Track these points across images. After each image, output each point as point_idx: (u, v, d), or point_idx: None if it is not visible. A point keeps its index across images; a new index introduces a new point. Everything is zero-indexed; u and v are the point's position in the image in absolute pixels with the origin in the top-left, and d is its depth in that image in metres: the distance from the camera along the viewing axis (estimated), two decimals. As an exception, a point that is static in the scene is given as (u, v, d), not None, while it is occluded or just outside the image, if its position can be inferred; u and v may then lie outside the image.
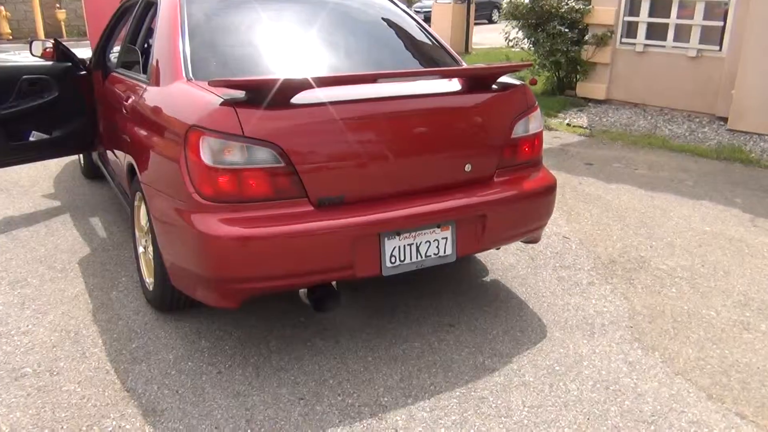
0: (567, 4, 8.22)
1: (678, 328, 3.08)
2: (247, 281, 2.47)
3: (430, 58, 3.44)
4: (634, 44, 7.96)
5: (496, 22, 20.33)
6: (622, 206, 4.79)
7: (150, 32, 3.55)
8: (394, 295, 3.32)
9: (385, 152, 2.63)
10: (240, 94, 2.47)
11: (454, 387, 2.59)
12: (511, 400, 2.52)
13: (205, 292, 2.57)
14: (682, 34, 7.62)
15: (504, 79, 3.04)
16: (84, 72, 4.43)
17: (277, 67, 3.00)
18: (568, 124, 7.56)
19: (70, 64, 4.41)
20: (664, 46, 7.74)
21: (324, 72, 2.98)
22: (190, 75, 2.78)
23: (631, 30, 8.04)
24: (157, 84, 2.94)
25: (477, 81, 2.93)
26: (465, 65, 3.37)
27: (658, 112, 7.87)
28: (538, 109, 3.07)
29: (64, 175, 5.54)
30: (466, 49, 14.81)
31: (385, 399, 2.51)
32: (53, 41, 4.46)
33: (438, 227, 2.72)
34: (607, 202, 4.88)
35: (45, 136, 4.36)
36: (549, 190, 3.06)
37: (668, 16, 7.65)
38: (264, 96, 2.42)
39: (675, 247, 4.05)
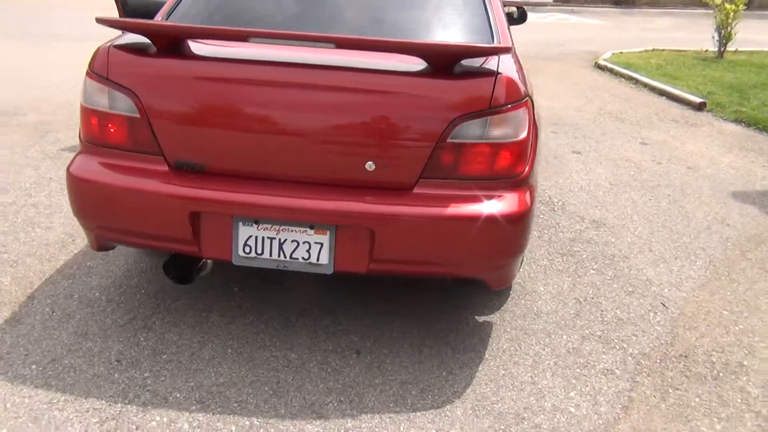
0: None
1: (638, 478, 2.00)
2: (94, 228, 2.43)
3: (448, 29, 2.71)
4: None
5: None
6: (818, 292, 3.21)
7: None
8: (346, 300, 2.88)
9: (261, 127, 2.24)
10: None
11: (253, 416, 2.16)
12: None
13: None
14: None
15: (479, 65, 2.27)
16: None
17: (257, 21, 2.73)
18: None
19: None
20: None
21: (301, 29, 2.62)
22: (166, 19, 2.75)
23: None
24: None
25: (434, 61, 2.24)
26: (494, 46, 2.58)
27: None
28: (518, 111, 2.22)
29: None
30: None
31: (136, 400, 2.21)
32: None
33: (311, 228, 2.24)
34: (801, 280, 3.32)
35: None
36: (501, 221, 2.21)
37: None
38: (142, 41, 2.29)
39: (819, 370, 2.58)
